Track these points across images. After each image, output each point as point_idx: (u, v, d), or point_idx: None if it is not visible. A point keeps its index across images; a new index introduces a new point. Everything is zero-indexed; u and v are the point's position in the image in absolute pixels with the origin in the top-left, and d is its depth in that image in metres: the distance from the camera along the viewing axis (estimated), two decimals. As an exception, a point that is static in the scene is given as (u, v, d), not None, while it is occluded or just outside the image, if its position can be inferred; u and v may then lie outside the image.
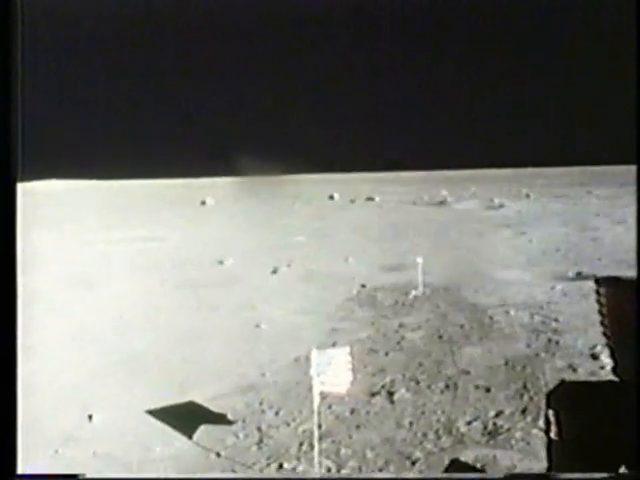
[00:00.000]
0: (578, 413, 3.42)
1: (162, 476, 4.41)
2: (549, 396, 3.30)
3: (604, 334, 2.84)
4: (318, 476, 4.33)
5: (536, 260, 11.40)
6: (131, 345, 7.06)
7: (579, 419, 3.45)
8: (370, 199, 28.25)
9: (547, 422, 3.42)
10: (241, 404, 5.44)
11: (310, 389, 4.40)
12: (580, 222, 16.09)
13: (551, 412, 3.40)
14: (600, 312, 2.91)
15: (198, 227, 19.13)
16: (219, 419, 5.17)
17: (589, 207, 19.94)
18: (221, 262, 12.34)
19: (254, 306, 8.69)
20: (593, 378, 5.62)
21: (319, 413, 4.52)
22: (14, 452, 2.55)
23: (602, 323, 2.90)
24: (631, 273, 5.15)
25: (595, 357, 6.14)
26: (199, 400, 5.52)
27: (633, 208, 17.90)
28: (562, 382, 4.54)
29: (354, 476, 4.32)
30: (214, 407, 5.35)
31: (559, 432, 3.58)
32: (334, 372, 4.30)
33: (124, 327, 7.91)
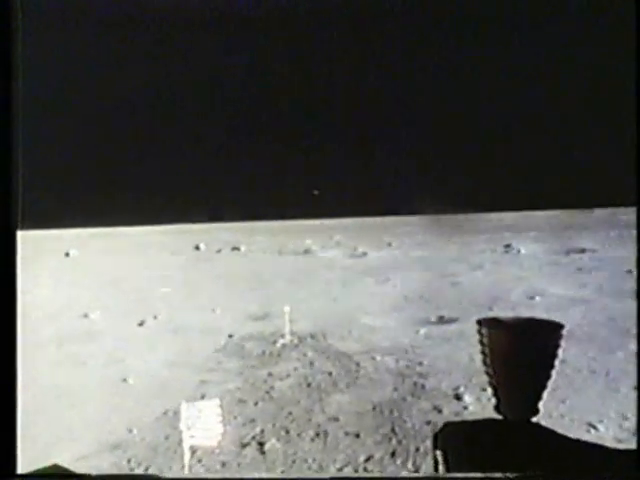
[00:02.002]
0: (466, 452, 3.52)
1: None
2: (436, 437, 3.37)
3: (487, 373, 2.95)
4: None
5: (399, 306, 11.66)
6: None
7: (467, 458, 3.55)
8: (236, 248, 28.21)
9: (435, 463, 3.51)
10: (108, 462, 5.27)
11: (180, 443, 4.35)
12: (440, 268, 16.59)
13: (438, 453, 3.49)
14: (482, 352, 3.02)
15: (61, 280, 18.54)
16: (84, 480, 5.00)
17: (448, 253, 20.60)
18: (86, 315, 12.00)
19: (121, 360, 8.49)
20: (458, 418, 5.80)
21: (190, 467, 4.46)
22: (14, 452, 2.41)
23: (484, 363, 3.00)
24: (491, 314, 5.42)
25: (459, 398, 6.34)
26: (63, 461, 5.32)
27: (488, 254, 18.74)
28: (448, 423, 4.68)
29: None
30: (80, 467, 5.16)
31: (446, 472, 3.67)
32: (204, 425, 4.27)
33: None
